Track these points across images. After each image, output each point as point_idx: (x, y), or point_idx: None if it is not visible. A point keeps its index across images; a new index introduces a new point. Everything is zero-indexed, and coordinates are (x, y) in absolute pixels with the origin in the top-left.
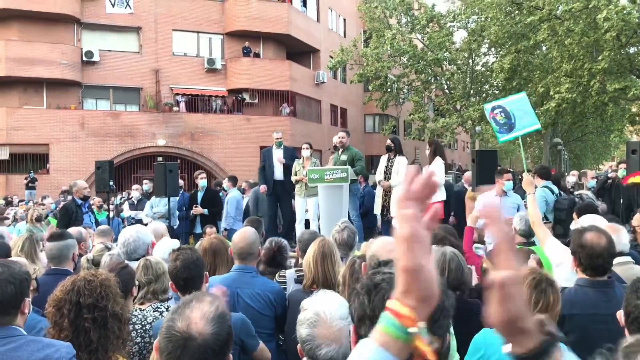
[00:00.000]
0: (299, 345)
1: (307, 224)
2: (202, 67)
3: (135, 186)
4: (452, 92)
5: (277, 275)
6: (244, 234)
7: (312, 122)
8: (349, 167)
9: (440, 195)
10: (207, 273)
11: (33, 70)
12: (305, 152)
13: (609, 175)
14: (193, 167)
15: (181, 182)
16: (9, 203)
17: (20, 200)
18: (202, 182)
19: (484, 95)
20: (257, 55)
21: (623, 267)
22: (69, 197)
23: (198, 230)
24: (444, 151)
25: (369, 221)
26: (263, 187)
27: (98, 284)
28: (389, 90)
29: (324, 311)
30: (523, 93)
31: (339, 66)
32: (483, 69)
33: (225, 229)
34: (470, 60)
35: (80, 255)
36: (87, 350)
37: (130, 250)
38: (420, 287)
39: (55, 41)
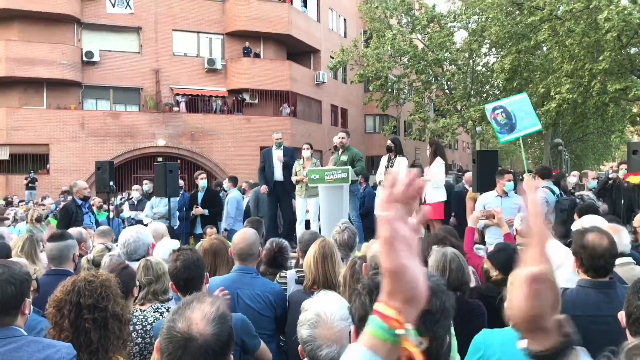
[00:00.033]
0: (299, 346)
1: (307, 224)
2: (203, 67)
3: (135, 186)
4: (453, 92)
5: (277, 275)
6: (244, 234)
7: (312, 123)
8: (349, 167)
9: (441, 195)
10: (208, 274)
11: (33, 71)
12: (306, 153)
13: (610, 175)
14: (193, 167)
15: (181, 182)
16: (9, 203)
17: (21, 201)
18: (202, 182)
19: (485, 95)
20: (257, 56)
21: (624, 268)
22: (69, 198)
23: (198, 230)
24: (445, 151)
25: (370, 222)
26: (264, 188)
27: (98, 284)
28: (390, 90)
29: (324, 312)
30: (524, 94)
31: (339, 66)
32: (484, 69)
33: (226, 230)
34: (470, 61)
35: (81, 256)
36: (87, 351)
37: (130, 250)
38: (405, 288)
39: (55, 41)
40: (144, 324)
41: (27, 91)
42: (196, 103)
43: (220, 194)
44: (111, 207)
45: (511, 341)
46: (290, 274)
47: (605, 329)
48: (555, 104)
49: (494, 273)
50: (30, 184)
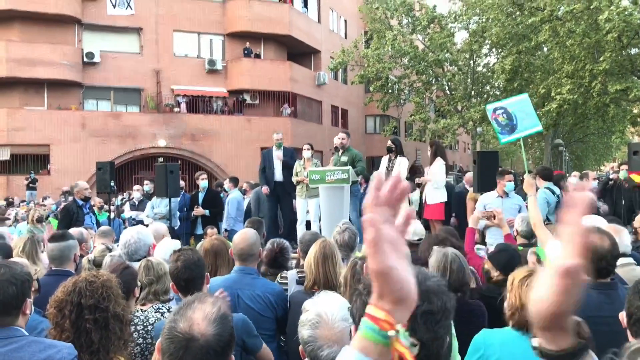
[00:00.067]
0: (300, 347)
1: (308, 225)
2: (203, 68)
3: (136, 187)
4: (453, 93)
5: (278, 276)
6: (245, 235)
7: (313, 123)
8: (350, 168)
9: (442, 196)
10: (208, 274)
11: (34, 71)
12: (307, 153)
13: (611, 176)
14: (194, 167)
15: (182, 183)
16: (10, 204)
17: (21, 201)
18: (203, 182)
19: (485, 96)
20: (257, 56)
21: (625, 269)
22: (70, 198)
23: (199, 231)
24: (445, 152)
25: None
26: (265, 189)
27: (99, 285)
28: (390, 91)
29: (325, 312)
30: (525, 95)
31: (339, 67)
32: (484, 70)
33: (226, 230)
34: (471, 61)
35: (82, 256)
36: (88, 351)
37: (131, 251)
38: (393, 289)
39: (56, 42)
40: (145, 324)
41: (28, 92)
42: (197, 104)
43: (221, 195)
44: (112, 208)
45: (511, 341)
46: (291, 275)
47: (607, 329)
48: (555, 104)
49: (495, 274)
50: (30, 185)
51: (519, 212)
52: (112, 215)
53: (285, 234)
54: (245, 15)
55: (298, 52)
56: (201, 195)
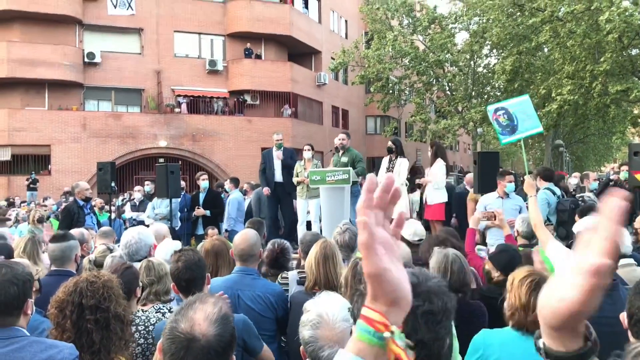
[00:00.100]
0: (301, 347)
1: (308, 225)
2: (204, 68)
3: (137, 187)
4: (454, 93)
5: (279, 276)
6: (245, 235)
7: (313, 124)
8: (350, 168)
9: (442, 197)
10: (209, 274)
11: (35, 72)
12: (307, 154)
13: (611, 177)
14: (194, 168)
15: (183, 183)
16: (10, 204)
17: (22, 202)
18: (203, 183)
19: (486, 96)
20: (258, 57)
21: (626, 269)
22: (71, 199)
23: (200, 231)
24: (446, 153)
25: None
26: (267, 190)
27: (100, 285)
28: (391, 91)
29: (326, 313)
30: (526, 96)
31: (340, 68)
32: (485, 70)
33: (227, 231)
34: (472, 62)
35: (83, 257)
36: (89, 352)
37: (132, 251)
38: (387, 291)
39: (57, 42)
40: (146, 324)
41: (29, 92)
42: (197, 104)
43: (222, 195)
44: (113, 208)
45: (510, 341)
46: (292, 275)
47: (608, 330)
48: (556, 105)
49: (496, 274)
50: (31, 185)
51: (520, 212)
52: (113, 215)
53: (286, 235)
54: (246, 16)
55: (299, 53)
56: (202, 196)
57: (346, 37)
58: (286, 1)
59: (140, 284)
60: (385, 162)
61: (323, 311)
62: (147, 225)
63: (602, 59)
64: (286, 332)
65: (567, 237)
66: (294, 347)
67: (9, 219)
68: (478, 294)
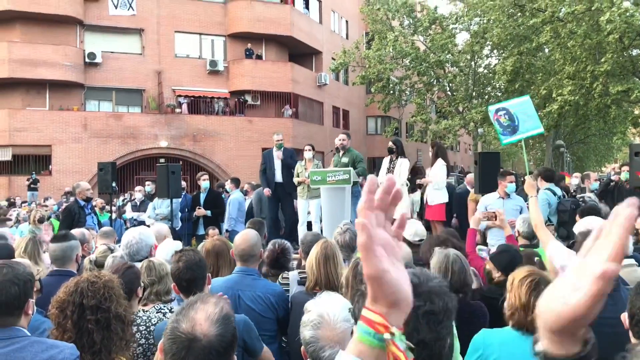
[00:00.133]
0: (302, 347)
1: (309, 225)
2: (205, 68)
3: (137, 187)
4: (455, 94)
5: (280, 277)
6: (246, 235)
7: (314, 124)
8: (351, 169)
9: (443, 197)
10: (210, 275)
11: (36, 72)
12: (308, 154)
13: (612, 177)
14: (195, 168)
15: (183, 183)
16: (11, 204)
17: (23, 202)
18: (204, 183)
19: (487, 97)
20: (259, 57)
21: (626, 270)
22: (72, 199)
23: (200, 231)
24: (446, 153)
25: None
26: (267, 190)
27: (101, 285)
28: (391, 92)
29: (327, 313)
30: (527, 96)
31: (341, 68)
32: (485, 71)
33: (227, 231)
34: (472, 62)
35: (83, 257)
36: (90, 352)
37: (133, 251)
38: (387, 292)
39: (58, 43)
40: (147, 324)
41: (30, 92)
42: (198, 104)
43: (222, 195)
44: (113, 208)
45: (510, 341)
46: (293, 275)
47: (609, 330)
48: (557, 105)
49: (496, 274)
50: (32, 185)
51: (520, 213)
52: (114, 215)
53: (287, 235)
54: (247, 16)
55: (299, 53)
56: (202, 196)
57: (347, 38)
58: (287, 2)
59: (142, 284)
60: (385, 162)
61: (324, 311)
62: (148, 226)
63: (602, 60)
64: (287, 332)
65: (567, 238)
66: (295, 348)
67: (10, 219)
68: (479, 295)
